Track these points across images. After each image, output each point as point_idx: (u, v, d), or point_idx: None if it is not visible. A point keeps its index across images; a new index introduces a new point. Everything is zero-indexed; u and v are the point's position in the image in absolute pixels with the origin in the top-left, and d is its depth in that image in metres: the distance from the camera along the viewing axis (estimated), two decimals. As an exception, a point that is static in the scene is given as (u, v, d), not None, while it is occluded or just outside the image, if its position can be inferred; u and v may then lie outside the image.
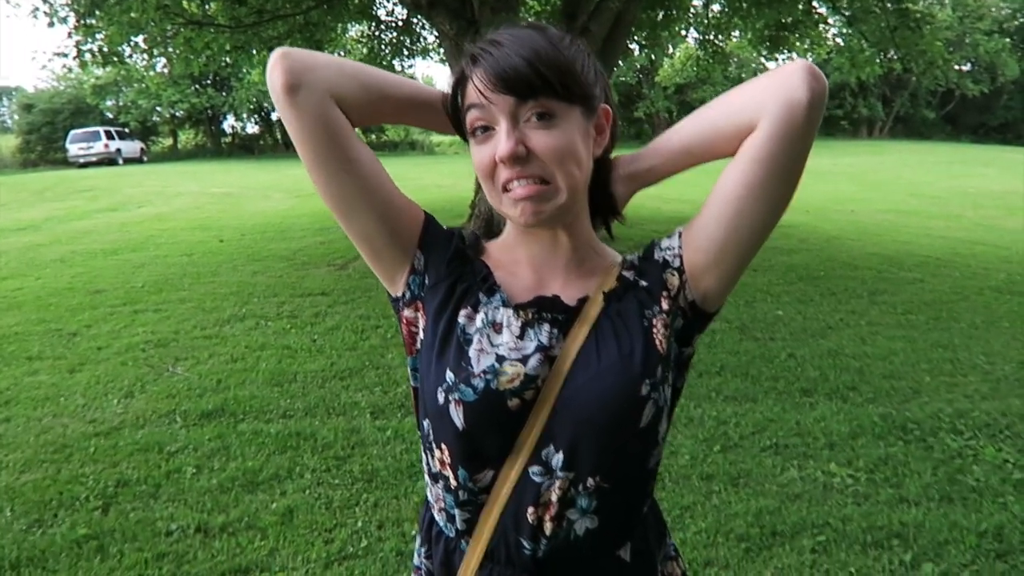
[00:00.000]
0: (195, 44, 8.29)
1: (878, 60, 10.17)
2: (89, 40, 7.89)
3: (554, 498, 0.90)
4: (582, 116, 0.89)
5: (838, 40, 11.29)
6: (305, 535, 2.72)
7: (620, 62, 11.17)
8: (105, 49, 7.99)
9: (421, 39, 11.45)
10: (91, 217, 12.49)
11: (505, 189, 0.89)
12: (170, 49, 8.75)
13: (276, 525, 2.77)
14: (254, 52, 9.70)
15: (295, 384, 4.23)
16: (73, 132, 28.01)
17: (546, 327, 0.92)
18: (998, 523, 2.73)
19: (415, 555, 1.09)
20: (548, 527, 0.91)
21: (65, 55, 8.11)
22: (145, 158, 29.91)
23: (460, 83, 0.90)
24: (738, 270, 0.94)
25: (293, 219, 11.52)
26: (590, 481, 0.90)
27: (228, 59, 9.81)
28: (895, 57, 9.98)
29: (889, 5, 8.95)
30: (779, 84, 0.84)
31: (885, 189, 15.71)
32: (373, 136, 30.84)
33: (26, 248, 9.34)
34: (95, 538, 2.71)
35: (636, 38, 11.40)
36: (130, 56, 8.91)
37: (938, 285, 6.62)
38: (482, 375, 0.89)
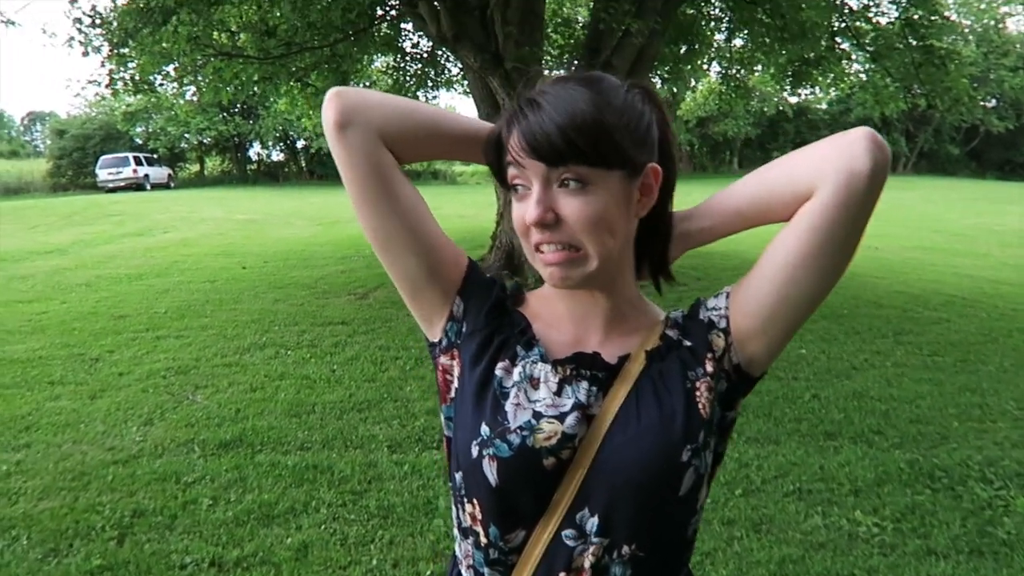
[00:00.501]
0: (224, 74, 8.45)
1: (902, 96, 10.13)
2: (122, 69, 8.06)
3: (587, 564, 0.87)
4: (622, 180, 0.86)
5: (861, 75, 11.27)
6: (319, 572, 2.70)
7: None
8: (137, 78, 8.16)
9: (445, 71, 11.59)
10: (117, 242, 12.68)
11: (537, 249, 0.88)
12: (200, 79, 8.93)
13: (290, 561, 2.75)
14: (281, 82, 9.87)
15: (313, 415, 4.23)
16: (103, 157, 28.56)
17: (584, 384, 0.90)
18: (1031, 579, 2.64)
19: None
20: None
21: (98, 83, 8.29)
22: (172, 184, 30.39)
23: (501, 137, 0.90)
24: (786, 337, 0.91)
25: (315, 247, 11.62)
26: (625, 548, 0.87)
27: (256, 89, 9.97)
28: (919, 93, 9.93)
29: (913, 42, 8.93)
30: (840, 152, 0.82)
31: (909, 226, 15.56)
32: (396, 165, 31.04)
33: (53, 272, 9.48)
34: (110, 569, 2.70)
35: (659, 72, 11.45)
36: (161, 85, 9.10)
37: (965, 326, 6.51)
38: (518, 431, 0.87)
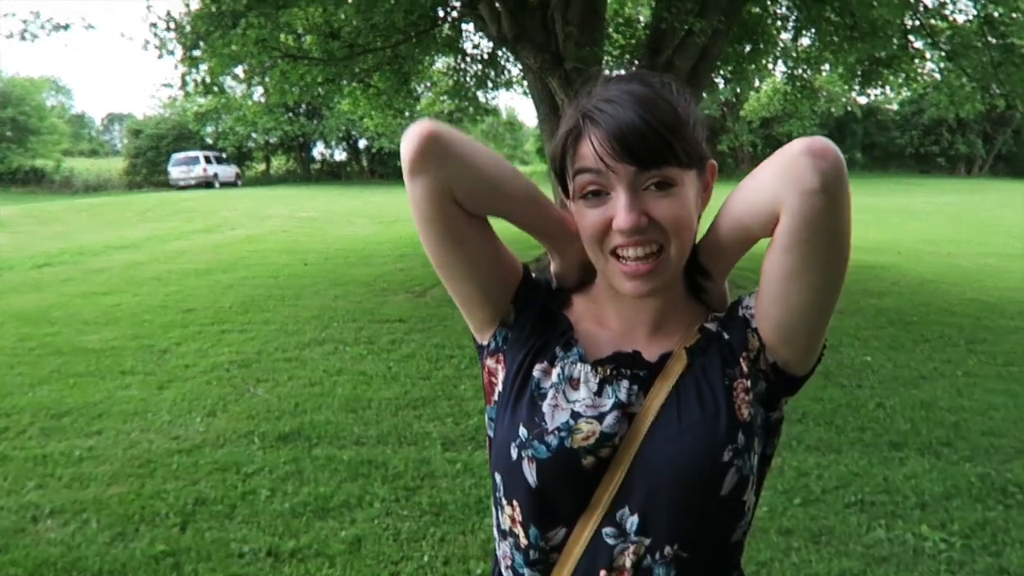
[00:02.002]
0: (290, 76, 8.65)
1: (979, 96, 9.71)
2: (193, 71, 8.33)
3: (628, 563, 0.86)
4: (696, 178, 0.87)
5: (935, 75, 10.84)
6: (372, 566, 2.73)
7: (705, 95, 11.04)
8: (207, 79, 8.42)
9: (506, 71, 11.61)
10: (187, 238, 13.12)
11: (614, 253, 0.87)
12: (267, 80, 9.15)
13: (344, 554, 2.79)
14: (344, 83, 10.05)
15: (369, 411, 4.29)
16: (175, 156, 29.65)
17: (625, 384, 0.90)
18: (1113, 604, 2.50)
19: None
20: None
21: (171, 85, 8.62)
22: (239, 182, 31.30)
23: (572, 143, 0.88)
24: (812, 338, 0.88)
25: (375, 245, 11.81)
26: (667, 549, 0.86)
27: (320, 90, 10.17)
28: (998, 94, 9.51)
29: (992, 40, 8.55)
30: (786, 174, 0.78)
31: (985, 231, 14.91)
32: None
33: (127, 266, 9.87)
34: (172, 555, 2.79)
35: (722, 72, 11.24)
36: (230, 86, 9.39)
37: (1044, 336, 6.20)
38: (556, 432, 0.87)
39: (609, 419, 0.87)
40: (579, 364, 0.92)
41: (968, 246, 12.44)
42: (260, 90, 10.23)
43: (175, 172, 28.76)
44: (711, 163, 0.91)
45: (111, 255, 10.92)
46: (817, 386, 4.68)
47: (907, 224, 15.82)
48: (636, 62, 9.86)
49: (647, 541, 0.86)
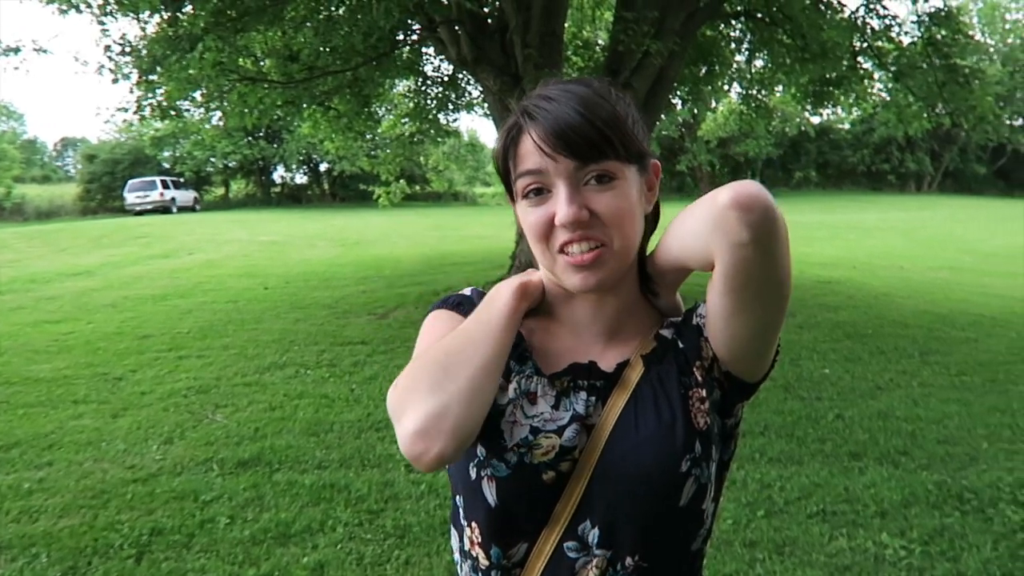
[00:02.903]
0: (249, 99, 8.58)
1: (926, 115, 10.03)
2: (150, 95, 8.21)
3: None
4: (638, 174, 0.87)
5: (884, 95, 11.19)
6: (335, 592, 2.67)
7: (663, 116, 11.23)
8: (164, 104, 8.30)
9: (466, 94, 11.67)
10: (144, 263, 12.86)
11: (561, 251, 0.86)
12: (225, 104, 9.07)
13: (306, 581, 2.73)
14: (304, 106, 10.01)
15: (331, 434, 4.22)
16: (131, 181, 29.11)
17: (583, 395, 0.89)
18: (1066, 605, 2.55)
19: None
20: None
21: (126, 110, 8.45)
22: (198, 207, 30.85)
23: (512, 141, 0.88)
24: (759, 355, 0.88)
25: (337, 268, 11.72)
26: (629, 561, 0.85)
27: (279, 113, 10.10)
28: (943, 112, 9.84)
29: (936, 60, 8.87)
30: (715, 226, 0.77)
31: (936, 245, 15.36)
32: (417, 187, 31.27)
33: (80, 293, 9.63)
34: (126, 588, 2.70)
35: (679, 92, 11.46)
36: (187, 110, 9.25)
37: (994, 345, 6.38)
38: (515, 449, 0.86)
39: (568, 432, 0.86)
40: (535, 377, 0.91)
41: (920, 260, 12.79)
42: (218, 114, 10.13)
43: (131, 197, 28.24)
44: (654, 162, 0.91)
45: (64, 283, 10.65)
46: (777, 399, 4.74)
47: (861, 240, 16.23)
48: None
49: (609, 554, 0.85)
